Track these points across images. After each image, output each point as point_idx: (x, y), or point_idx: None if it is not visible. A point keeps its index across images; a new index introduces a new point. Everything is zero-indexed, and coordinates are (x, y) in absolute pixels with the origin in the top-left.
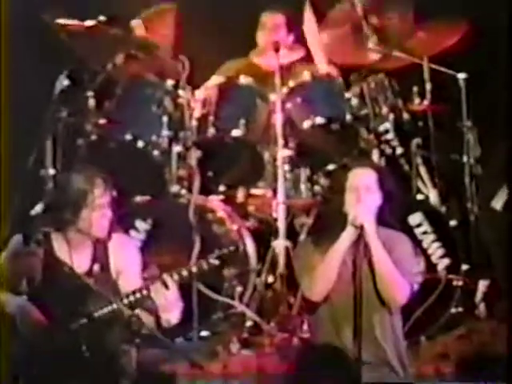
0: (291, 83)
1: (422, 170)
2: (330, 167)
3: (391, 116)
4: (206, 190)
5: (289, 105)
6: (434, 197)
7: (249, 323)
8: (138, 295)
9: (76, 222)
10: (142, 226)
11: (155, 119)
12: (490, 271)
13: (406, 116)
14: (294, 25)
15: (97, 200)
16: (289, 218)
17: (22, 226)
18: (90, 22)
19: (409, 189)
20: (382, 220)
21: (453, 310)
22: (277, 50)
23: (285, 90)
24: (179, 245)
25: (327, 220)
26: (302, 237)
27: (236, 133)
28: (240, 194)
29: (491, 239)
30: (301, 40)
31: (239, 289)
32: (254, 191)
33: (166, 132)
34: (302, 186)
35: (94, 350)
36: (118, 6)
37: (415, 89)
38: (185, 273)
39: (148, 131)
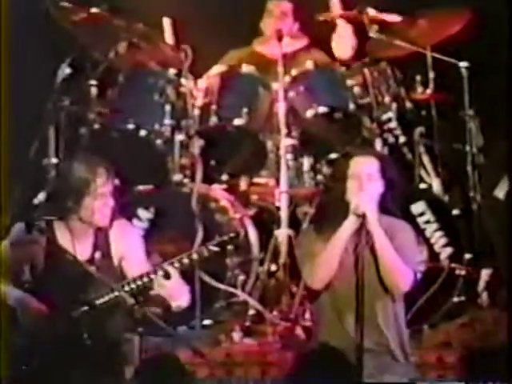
0: (294, 72)
1: (425, 159)
2: (333, 156)
3: (394, 105)
4: (208, 179)
5: (291, 93)
6: (436, 186)
7: (251, 312)
8: (139, 282)
9: (78, 211)
10: (145, 214)
11: (158, 108)
12: (492, 260)
13: (408, 105)
14: (300, 12)
15: (99, 189)
16: (291, 206)
17: (24, 214)
18: (92, 10)
19: (412, 178)
20: (384, 208)
21: (455, 299)
22: (280, 38)
23: (287, 78)
24: (182, 234)
25: (329, 208)
26: (305, 225)
27: (238, 121)
28: (243, 183)
29: (494, 228)
30: (305, 28)
31: (242, 277)
32: (256, 180)
33: (168, 121)
34: (305, 175)
35: (96, 339)
36: None
37: (418, 78)
38: (186, 260)
39: (150, 120)
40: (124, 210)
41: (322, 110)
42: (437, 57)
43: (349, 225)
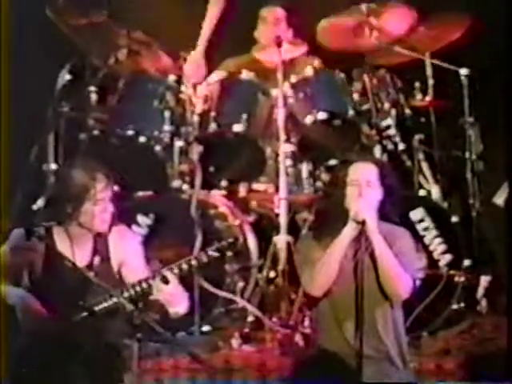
0: (293, 78)
1: (424, 166)
2: (332, 162)
3: (393, 112)
4: (207, 185)
5: (291, 100)
6: (435, 193)
7: (250, 318)
8: (138, 288)
9: (77, 216)
10: (144, 220)
11: (157, 114)
12: (491, 267)
13: (407, 112)
14: (294, 19)
15: (98, 194)
16: (290, 213)
17: (23, 220)
18: (92, 17)
19: (411, 184)
20: (383, 215)
21: (454, 306)
22: (279, 45)
23: (287, 85)
24: (181, 240)
25: (329, 215)
26: (304, 232)
27: (238, 128)
28: (242, 189)
29: (493, 235)
30: (301, 34)
31: (241, 284)
32: (255, 186)
33: (167, 127)
34: (304, 182)
35: (95, 345)
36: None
37: (417, 84)
38: (185, 266)
39: (150, 126)
40: (123, 215)
41: (322, 116)
42: (436, 63)
43: (348, 231)
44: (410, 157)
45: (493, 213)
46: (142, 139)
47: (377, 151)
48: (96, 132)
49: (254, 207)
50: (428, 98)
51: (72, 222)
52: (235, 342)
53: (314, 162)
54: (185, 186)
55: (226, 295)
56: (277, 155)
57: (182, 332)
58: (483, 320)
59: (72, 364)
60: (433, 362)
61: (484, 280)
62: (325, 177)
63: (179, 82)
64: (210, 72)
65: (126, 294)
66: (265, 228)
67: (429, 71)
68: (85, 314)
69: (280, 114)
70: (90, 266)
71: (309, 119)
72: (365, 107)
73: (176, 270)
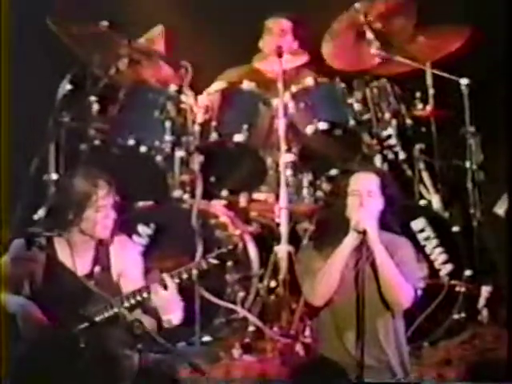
0: (294, 88)
1: (425, 176)
2: (333, 172)
3: (394, 121)
4: (208, 195)
5: (291, 110)
6: (436, 202)
7: (251, 328)
8: (138, 297)
9: (79, 223)
10: (145, 230)
11: (158, 124)
12: (492, 277)
13: (408, 121)
14: (300, 30)
15: (100, 201)
16: (291, 223)
17: (24, 230)
18: (93, 27)
19: (411, 194)
20: (384, 225)
21: (456, 316)
22: (280, 55)
23: (287, 95)
24: (182, 250)
25: (329, 225)
26: (305, 242)
27: (238, 138)
28: (242, 199)
29: (494, 245)
30: (306, 46)
31: (241, 294)
32: (256, 196)
33: (168, 137)
34: (305, 191)
35: (95, 355)
36: (122, 10)
37: (418, 94)
38: (184, 275)
39: (151, 136)
40: (124, 226)
41: (322, 126)
42: (437, 73)
43: (349, 241)
44: (410, 166)
45: (494, 223)
46: (142, 149)
47: (377, 161)
48: (97, 142)
49: (254, 217)
50: (429, 108)
51: (74, 229)
52: (236, 352)
53: (314, 172)
54: (185, 196)
55: (226, 305)
56: (277, 165)
57: (182, 342)
58: (484, 330)
59: (72, 372)
60: (434, 371)
61: (485, 290)
62: (326, 187)
63: (180, 91)
64: (210, 82)
65: (126, 304)
66: (266, 238)
67: (429, 81)
68: (85, 324)
69: (281, 124)
70: (90, 275)
71: (309, 129)
72: (365, 117)
73: (176, 278)
